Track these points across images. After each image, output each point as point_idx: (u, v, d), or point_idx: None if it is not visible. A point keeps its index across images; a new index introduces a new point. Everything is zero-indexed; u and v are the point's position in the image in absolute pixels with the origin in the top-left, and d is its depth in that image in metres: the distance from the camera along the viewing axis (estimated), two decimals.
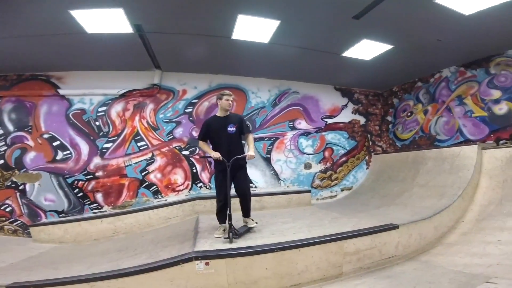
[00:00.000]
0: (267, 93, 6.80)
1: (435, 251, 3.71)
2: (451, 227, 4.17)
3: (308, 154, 6.92)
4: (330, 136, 7.18)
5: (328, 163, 7.04)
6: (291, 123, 6.88)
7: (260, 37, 4.73)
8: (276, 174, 6.58)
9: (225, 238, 3.22)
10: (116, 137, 5.60)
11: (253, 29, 4.46)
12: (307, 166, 6.86)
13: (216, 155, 3.37)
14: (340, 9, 4.01)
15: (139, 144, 5.71)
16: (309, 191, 6.17)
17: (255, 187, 6.26)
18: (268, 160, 6.57)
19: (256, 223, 3.75)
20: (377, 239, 3.39)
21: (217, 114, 3.65)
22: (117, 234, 4.64)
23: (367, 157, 7.47)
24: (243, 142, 3.72)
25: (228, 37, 4.64)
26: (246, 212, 3.70)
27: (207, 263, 2.76)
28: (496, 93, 5.34)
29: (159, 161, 5.78)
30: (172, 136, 5.94)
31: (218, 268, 2.79)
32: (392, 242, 3.48)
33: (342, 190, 7.02)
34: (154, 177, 5.70)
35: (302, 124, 6.99)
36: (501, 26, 4.34)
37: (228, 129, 3.48)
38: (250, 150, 3.51)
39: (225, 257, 2.84)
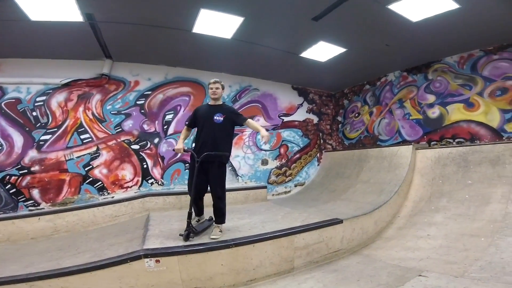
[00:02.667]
0: (227, 88, 6.71)
1: (375, 245, 4.02)
2: (389, 222, 4.52)
3: (265, 150, 7.05)
4: (286, 134, 7.42)
5: (283, 160, 7.28)
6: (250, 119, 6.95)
7: (223, 32, 4.65)
8: (234, 170, 6.59)
9: (180, 235, 3.10)
10: (55, 129, 5.02)
11: (216, 24, 4.37)
12: (264, 162, 7.01)
13: (177, 146, 3.30)
14: (302, 10, 4.12)
15: (82, 136, 5.19)
16: (265, 187, 6.32)
17: None
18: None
19: (211, 218, 3.62)
20: (324, 233, 3.59)
21: (209, 102, 3.49)
22: (57, 233, 4.24)
23: (318, 154, 7.88)
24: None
25: (189, 30, 4.48)
26: (216, 218, 3.41)
27: (157, 261, 2.68)
28: (431, 98, 5.96)
29: (105, 155, 5.35)
30: (120, 129, 5.53)
31: (170, 265, 2.73)
32: (337, 236, 3.71)
33: (295, 185, 7.32)
34: (99, 172, 5.26)
35: (261, 121, 7.08)
36: (442, 34, 4.78)
37: (215, 118, 3.25)
38: (261, 131, 3.23)
39: (177, 254, 2.78)
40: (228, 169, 6.44)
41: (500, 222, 3.57)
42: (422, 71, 6.20)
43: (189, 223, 3.09)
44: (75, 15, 3.78)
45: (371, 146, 6.92)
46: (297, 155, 7.50)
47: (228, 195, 5.47)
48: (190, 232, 3.07)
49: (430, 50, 5.55)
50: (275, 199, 6.47)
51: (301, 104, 7.80)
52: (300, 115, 7.73)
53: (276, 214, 4.51)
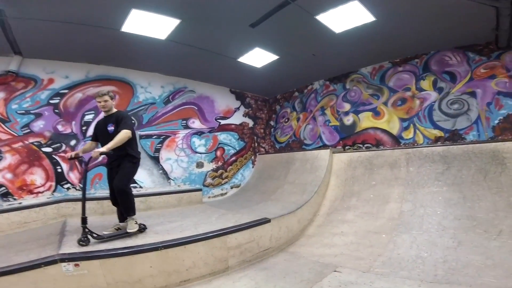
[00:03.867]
0: (159, 89, 6.48)
1: (299, 243, 4.30)
2: (310, 220, 4.84)
3: (200, 153, 7.01)
4: (222, 137, 7.50)
5: (219, 162, 7.34)
6: (184, 121, 6.81)
7: (156, 33, 4.50)
8: (165, 173, 6.36)
9: (76, 241, 2.93)
10: None
11: (149, 24, 4.21)
12: (199, 165, 6.95)
13: (67, 155, 3.44)
14: (240, 16, 4.26)
15: None
16: (200, 190, 6.27)
17: (140, 187, 5.88)
18: (156, 159, 6.28)
19: (141, 226, 3.51)
20: (254, 232, 3.76)
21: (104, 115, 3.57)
22: None
23: (253, 157, 8.18)
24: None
25: (117, 29, 4.23)
26: (125, 213, 3.43)
27: (76, 265, 2.53)
28: (347, 106, 6.75)
29: (10, 158, 4.62)
30: (28, 130, 4.86)
31: (92, 269, 2.62)
32: (266, 235, 3.91)
33: (231, 187, 7.46)
34: (2, 177, 4.53)
35: (196, 124, 7.03)
36: (359, 46, 5.23)
37: (108, 128, 3.38)
38: (103, 147, 3.18)
39: (98, 258, 2.67)
40: (158, 172, 6.25)
41: (397, 219, 4.08)
42: (342, 81, 6.97)
43: (84, 228, 2.97)
44: None
45: (297, 150, 7.50)
46: (233, 158, 7.67)
47: (159, 198, 5.47)
48: (86, 236, 2.94)
49: (349, 61, 6.20)
50: (211, 202, 6.48)
51: (238, 108, 8.01)
52: (237, 119, 7.92)
53: (210, 216, 4.55)
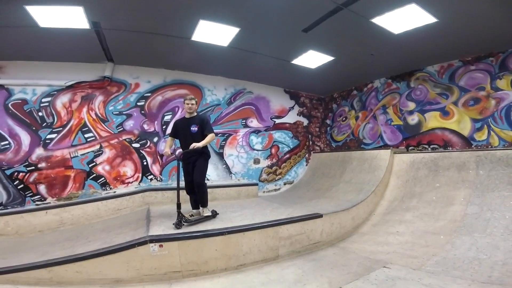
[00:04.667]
0: (223, 91, 7.14)
1: (351, 239, 4.38)
2: (365, 218, 4.88)
3: (257, 150, 7.49)
4: (277, 135, 7.86)
5: (274, 159, 7.72)
6: (244, 121, 7.35)
7: (220, 40, 5.02)
8: (228, 168, 7.01)
9: (173, 224, 3.54)
10: (61, 128, 5.39)
11: (214, 33, 4.75)
12: (256, 161, 7.44)
13: (165, 150, 4.06)
14: (292, 23, 4.51)
15: (86, 135, 5.57)
16: (256, 184, 6.71)
17: (208, 179, 6.57)
18: (221, 155, 6.95)
19: (214, 212, 4.10)
20: (305, 226, 3.98)
21: (185, 116, 4.16)
22: (63, 226, 4.56)
23: (307, 155, 8.34)
24: None
25: (188, 38, 4.84)
26: (200, 203, 4.13)
27: (161, 246, 3.05)
28: (412, 105, 6.42)
29: (108, 153, 5.73)
30: (122, 129, 5.92)
31: (171, 250, 3.09)
32: (317, 229, 4.10)
33: (284, 184, 7.77)
34: (102, 169, 5.65)
35: (254, 123, 7.53)
36: (422, 45, 5.12)
37: (191, 128, 3.96)
38: (200, 142, 3.82)
39: (178, 239, 3.16)
40: (222, 166, 6.93)
41: (459, 222, 3.98)
42: (405, 79, 6.63)
43: (179, 212, 3.58)
44: (82, 23, 4.11)
45: (355, 149, 7.39)
46: (287, 155, 7.96)
47: (222, 190, 6.05)
48: (181, 220, 3.53)
49: (412, 59, 5.93)
50: (265, 196, 6.89)
51: (292, 107, 8.25)
52: (291, 118, 8.17)
53: (265, 208, 4.88)
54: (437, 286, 2.69)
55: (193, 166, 3.95)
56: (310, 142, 8.52)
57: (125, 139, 5.93)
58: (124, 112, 5.97)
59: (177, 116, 6.43)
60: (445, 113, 5.80)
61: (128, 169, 5.91)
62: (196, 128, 3.95)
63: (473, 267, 3.00)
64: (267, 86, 7.79)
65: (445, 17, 4.10)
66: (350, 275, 3.10)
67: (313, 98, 8.76)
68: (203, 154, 3.99)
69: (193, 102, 4.03)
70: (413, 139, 6.35)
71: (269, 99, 7.85)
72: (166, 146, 4.12)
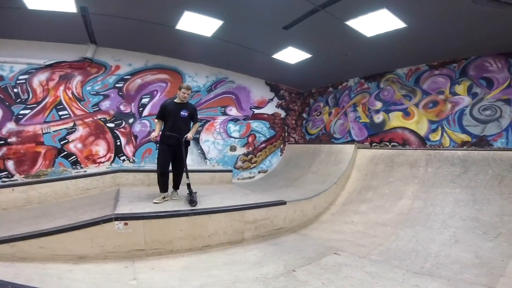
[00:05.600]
0: (204, 78, 7.23)
1: (312, 227, 4.66)
2: (326, 208, 5.16)
3: (234, 138, 7.70)
4: (255, 124, 8.09)
5: (250, 148, 7.98)
6: (223, 109, 7.51)
7: (203, 31, 5.12)
8: (203, 154, 7.17)
9: (189, 202, 3.94)
10: (35, 105, 5.31)
11: (198, 24, 4.84)
12: (233, 148, 7.65)
13: (153, 136, 4.14)
14: (274, 20, 4.70)
15: (60, 113, 5.52)
16: (230, 171, 6.93)
17: None
18: (196, 140, 7.09)
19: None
20: (270, 211, 4.21)
21: (175, 100, 4.28)
22: (30, 204, 4.43)
23: (282, 146, 8.66)
24: None
25: (172, 26, 4.91)
26: (177, 184, 4.42)
27: (126, 224, 3.16)
28: (379, 105, 6.84)
29: (81, 131, 5.72)
30: (97, 108, 5.92)
31: (136, 228, 3.21)
32: (281, 215, 4.33)
33: (259, 172, 8.08)
34: (74, 147, 5.64)
35: (233, 111, 7.71)
36: (393, 48, 5.42)
37: (182, 113, 4.17)
38: (190, 132, 4.21)
39: (143, 218, 3.28)
40: (197, 152, 7.09)
41: (405, 215, 4.28)
42: (376, 80, 7.02)
43: (190, 192, 4.03)
44: (70, 7, 4.13)
45: (326, 143, 7.78)
46: (263, 145, 8.24)
47: (195, 175, 6.04)
48: (192, 197, 3.95)
49: (384, 61, 6.28)
50: (239, 183, 7.13)
51: (272, 99, 8.49)
52: (269, 109, 8.43)
53: (236, 194, 5.09)
54: (376, 274, 2.95)
55: (176, 151, 4.13)
56: (286, 134, 8.83)
57: (99, 118, 5.93)
58: (101, 93, 5.96)
59: (155, 100, 6.49)
60: (406, 114, 6.26)
61: (100, 148, 5.93)
62: (187, 114, 4.19)
63: (410, 258, 3.29)
64: (249, 77, 7.95)
65: (413, 23, 4.36)
66: (304, 259, 3.37)
67: (293, 92, 9.03)
68: (187, 142, 4.23)
69: (189, 92, 4.24)
70: (377, 136, 6.80)
71: (250, 89, 8.04)
72: (156, 129, 4.23)
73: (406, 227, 4.04)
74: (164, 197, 4.13)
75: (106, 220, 3.12)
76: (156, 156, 4.28)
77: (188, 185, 4.09)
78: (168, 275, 2.92)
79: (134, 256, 3.18)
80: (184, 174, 4.23)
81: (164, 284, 2.73)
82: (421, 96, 6.06)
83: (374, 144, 6.75)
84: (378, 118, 6.83)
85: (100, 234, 3.06)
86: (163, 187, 4.20)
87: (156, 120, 4.31)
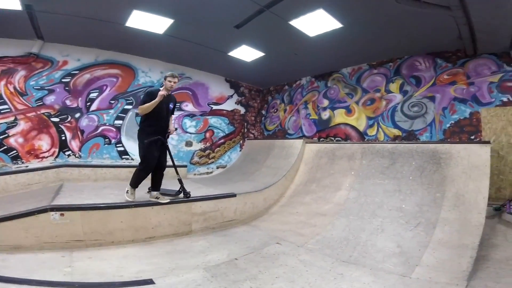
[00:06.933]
0: (159, 74, 7.18)
1: (262, 218, 4.77)
2: (276, 200, 5.33)
3: (190, 133, 7.74)
4: (213, 120, 8.20)
5: (208, 143, 8.07)
6: (178, 104, 7.49)
7: (155, 28, 5.11)
8: None
9: (184, 195, 4.03)
10: None
11: (148, 22, 4.83)
12: (188, 144, 7.69)
13: (161, 92, 3.67)
14: (225, 19, 4.83)
15: (0, 107, 5.25)
16: (185, 166, 7.01)
17: (132, 159, 6.69)
18: None
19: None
20: (219, 204, 4.29)
21: (161, 89, 3.86)
22: None
23: (241, 141, 8.87)
24: None
25: (122, 24, 4.87)
26: (159, 186, 4.08)
27: (62, 214, 3.13)
28: (326, 102, 7.31)
29: (23, 125, 5.47)
30: (41, 103, 5.71)
31: (74, 219, 3.20)
32: (231, 207, 4.43)
33: (217, 167, 8.21)
34: (14, 141, 5.38)
35: (189, 107, 7.75)
36: (335, 48, 5.73)
37: (170, 105, 3.99)
38: (171, 125, 4.08)
39: (80, 209, 3.27)
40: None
41: (342, 205, 4.48)
42: (325, 79, 7.48)
43: (181, 185, 4.11)
44: (14, 4, 4.01)
45: (281, 138, 8.15)
46: (222, 140, 8.38)
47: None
48: (185, 191, 4.03)
49: (330, 61, 6.66)
50: (195, 178, 7.20)
51: (232, 96, 8.65)
52: (229, 105, 8.58)
53: (188, 188, 4.98)
54: (308, 262, 3.10)
55: (162, 147, 3.93)
56: (246, 130, 9.05)
57: (43, 113, 5.71)
58: (46, 88, 5.75)
59: (104, 94, 6.39)
60: (349, 111, 6.79)
61: (44, 143, 5.72)
62: (172, 107, 4.02)
63: (341, 247, 3.44)
64: (207, 74, 8.02)
65: (348, 23, 4.65)
66: (248, 249, 3.48)
67: (253, 89, 9.26)
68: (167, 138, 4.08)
69: (176, 80, 3.87)
70: (323, 132, 7.29)
71: (209, 86, 8.12)
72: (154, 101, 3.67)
73: (342, 216, 4.25)
74: (157, 197, 3.93)
75: (41, 210, 3.09)
76: (141, 151, 3.79)
77: (180, 180, 4.15)
78: (105, 263, 2.94)
79: (73, 247, 3.18)
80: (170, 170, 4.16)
81: (100, 270, 2.75)
82: (361, 94, 6.59)
83: (321, 139, 7.21)
84: (325, 115, 7.31)
85: (35, 225, 3.03)
86: (138, 184, 3.87)
87: (142, 105, 3.72)
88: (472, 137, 5.01)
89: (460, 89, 5.19)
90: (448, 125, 5.25)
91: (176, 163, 6.98)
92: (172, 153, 6.97)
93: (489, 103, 4.90)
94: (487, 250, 3.22)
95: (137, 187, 3.88)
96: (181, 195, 4.17)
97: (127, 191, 3.80)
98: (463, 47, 5.02)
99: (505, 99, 4.76)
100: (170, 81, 3.81)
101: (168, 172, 4.24)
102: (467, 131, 5.09)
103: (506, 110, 4.74)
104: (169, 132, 4.02)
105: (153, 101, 3.65)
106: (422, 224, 3.60)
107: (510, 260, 3.01)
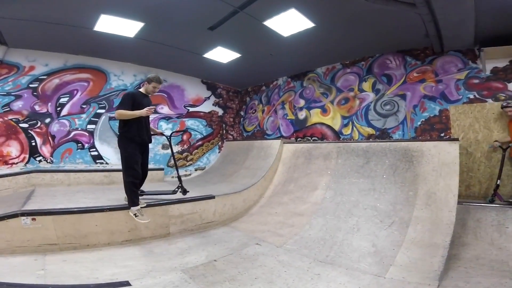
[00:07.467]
0: (132, 77, 7.04)
1: (242, 219, 4.78)
2: (256, 201, 5.34)
3: (166, 136, 7.58)
4: (190, 122, 8.12)
5: (185, 146, 7.99)
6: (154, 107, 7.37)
7: (125, 32, 5.01)
8: None
9: (182, 192, 4.13)
10: None
11: (117, 26, 4.73)
12: (165, 146, 7.57)
13: (145, 109, 3.46)
14: (198, 21, 4.80)
15: None
16: (162, 169, 6.91)
17: (106, 163, 6.52)
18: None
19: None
20: (197, 206, 4.27)
21: (141, 91, 3.76)
22: None
23: (220, 143, 8.85)
24: None
25: (90, 28, 4.75)
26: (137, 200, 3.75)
27: (33, 219, 3.08)
28: (302, 102, 7.43)
29: None
30: (8, 109, 5.47)
31: (46, 223, 3.14)
32: (210, 209, 4.42)
33: (196, 170, 8.14)
34: None
35: (164, 109, 7.63)
36: (309, 48, 5.74)
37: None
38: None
39: (52, 214, 3.21)
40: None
41: (319, 205, 4.49)
42: (301, 79, 7.60)
43: (181, 184, 4.29)
44: None
45: (260, 139, 8.20)
46: (200, 142, 8.32)
47: (121, 174, 5.77)
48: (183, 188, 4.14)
49: (305, 61, 6.74)
50: (172, 181, 6.97)
51: (209, 97, 8.61)
52: (206, 107, 8.53)
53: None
54: (286, 263, 3.13)
55: (143, 151, 3.77)
56: (224, 131, 9.04)
57: (11, 119, 5.46)
58: (12, 93, 5.52)
59: (75, 99, 6.20)
60: (324, 110, 6.95)
61: (13, 149, 5.49)
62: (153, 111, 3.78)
63: (319, 247, 3.48)
64: (183, 76, 7.93)
65: (320, 22, 4.66)
66: (227, 250, 3.50)
67: (230, 90, 9.26)
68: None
69: (160, 86, 3.79)
70: (300, 131, 7.43)
71: (185, 88, 8.03)
72: (134, 112, 3.46)
73: (319, 216, 4.27)
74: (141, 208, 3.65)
75: (11, 215, 3.02)
76: (123, 159, 3.57)
77: (179, 178, 4.37)
78: (80, 266, 2.90)
79: (46, 250, 3.12)
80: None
81: (74, 273, 2.71)
82: (336, 93, 6.75)
83: (298, 139, 7.34)
84: (302, 115, 7.45)
85: (5, 230, 2.98)
86: (136, 199, 3.61)
87: (122, 111, 3.46)
88: (442, 135, 5.11)
89: (429, 86, 5.35)
90: (419, 123, 5.41)
91: (153, 166, 7.13)
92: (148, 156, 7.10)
93: (457, 100, 5.02)
94: (458, 249, 3.30)
95: (138, 203, 3.61)
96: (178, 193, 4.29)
97: (135, 215, 3.52)
98: (430, 44, 5.13)
99: (471, 96, 4.88)
100: (155, 87, 3.68)
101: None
102: (437, 129, 5.19)
103: (473, 107, 4.84)
104: (157, 134, 4.15)
105: (137, 113, 3.44)
106: (396, 223, 3.64)
107: (479, 259, 3.09)
